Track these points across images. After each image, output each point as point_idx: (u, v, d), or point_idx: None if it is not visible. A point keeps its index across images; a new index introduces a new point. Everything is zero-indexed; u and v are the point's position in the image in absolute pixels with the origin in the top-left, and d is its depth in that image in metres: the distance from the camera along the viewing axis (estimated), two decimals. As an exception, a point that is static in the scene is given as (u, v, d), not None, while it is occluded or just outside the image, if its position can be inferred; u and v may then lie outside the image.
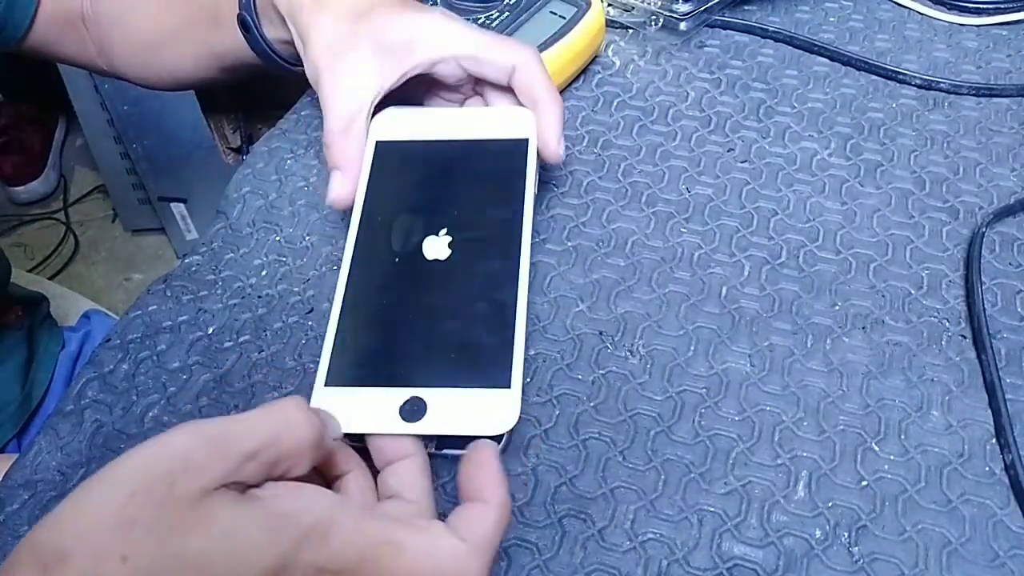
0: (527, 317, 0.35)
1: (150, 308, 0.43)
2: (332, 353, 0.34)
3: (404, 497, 0.30)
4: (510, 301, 0.35)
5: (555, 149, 0.40)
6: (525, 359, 0.39)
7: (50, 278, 1.39)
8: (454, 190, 0.39)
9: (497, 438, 0.33)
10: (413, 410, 0.32)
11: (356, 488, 0.31)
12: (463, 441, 0.33)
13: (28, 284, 0.70)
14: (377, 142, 0.41)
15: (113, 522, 0.24)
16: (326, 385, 0.33)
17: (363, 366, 0.34)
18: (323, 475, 0.31)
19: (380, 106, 0.41)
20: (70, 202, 1.65)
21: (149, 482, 0.24)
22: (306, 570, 0.26)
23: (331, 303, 0.36)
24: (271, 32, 0.45)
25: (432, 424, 0.32)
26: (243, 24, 0.45)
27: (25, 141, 1.61)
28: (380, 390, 0.33)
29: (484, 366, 0.34)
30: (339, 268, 0.36)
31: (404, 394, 0.32)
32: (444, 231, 0.38)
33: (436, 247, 0.37)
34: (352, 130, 0.40)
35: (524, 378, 0.39)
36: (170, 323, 0.42)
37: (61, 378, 0.65)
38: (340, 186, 0.40)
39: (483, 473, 0.30)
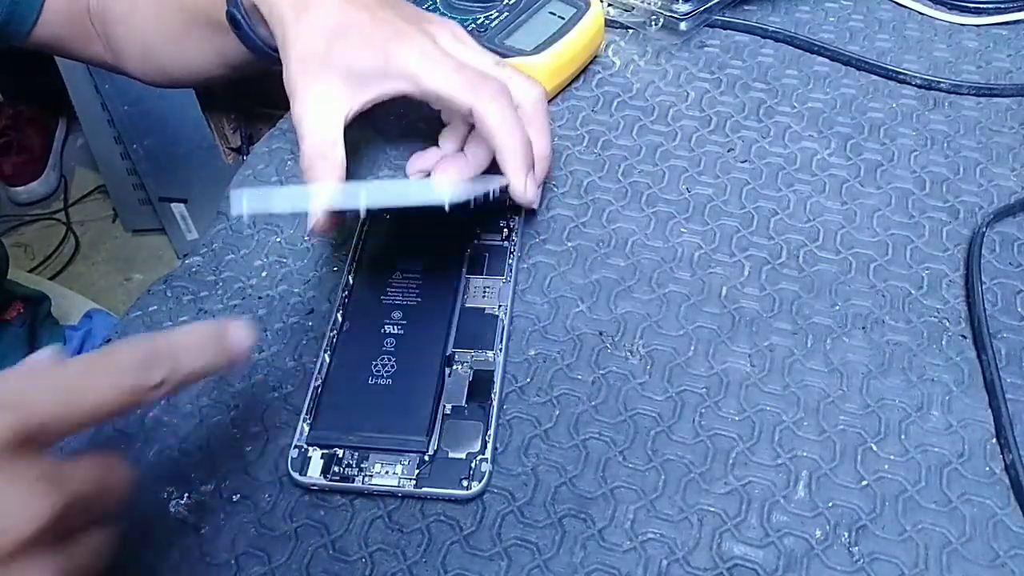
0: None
1: (150, 308, 0.43)
2: None
3: None
4: None
5: (522, 191, 0.39)
6: (525, 360, 0.40)
7: (51, 278, 1.39)
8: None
9: None
10: None
11: None
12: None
13: (29, 284, 0.70)
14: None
15: None
16: None
17: None
18: None
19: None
20: (70, 202, 1.65)
21: None
22: None
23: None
24: (262, 29, 0.45)
25: None
26: (232, 21, 0.45)
27: (25, 141, 1.61)
28: None
29: None
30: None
31: None
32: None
33: None
34: (329, 157, 0.40)
35: (524, 378, 0.39)
36: (170, 323, 0.42)
37: (61, 375, 0.65)
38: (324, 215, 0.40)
39: None
